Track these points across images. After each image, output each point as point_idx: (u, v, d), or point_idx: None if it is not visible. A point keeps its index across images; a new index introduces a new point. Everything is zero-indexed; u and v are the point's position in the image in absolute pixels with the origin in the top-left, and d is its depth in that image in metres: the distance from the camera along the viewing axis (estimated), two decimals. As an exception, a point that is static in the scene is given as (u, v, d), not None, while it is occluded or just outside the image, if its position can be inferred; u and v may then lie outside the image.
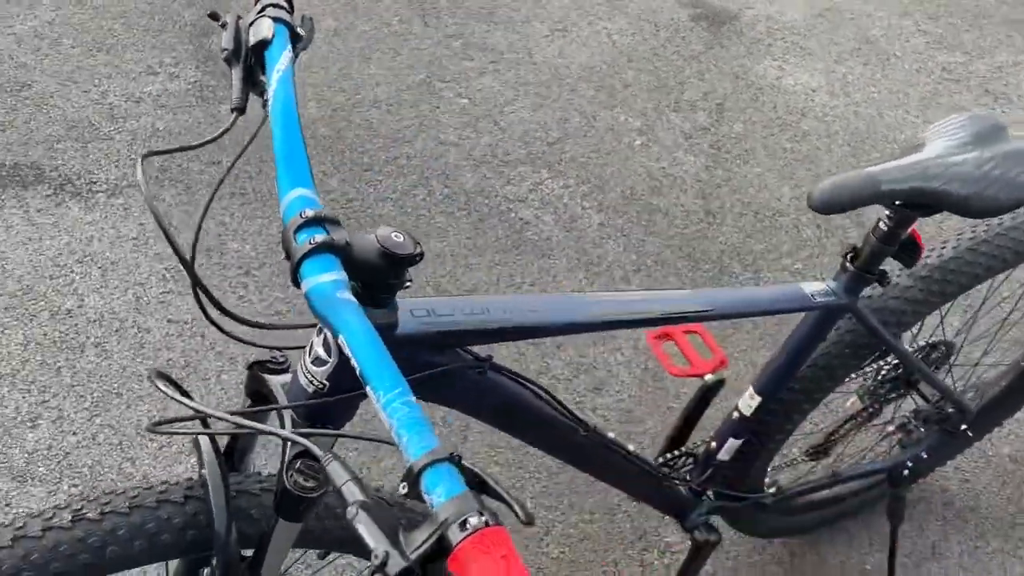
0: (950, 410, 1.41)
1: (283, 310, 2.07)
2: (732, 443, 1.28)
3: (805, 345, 1.16)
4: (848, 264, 1.09)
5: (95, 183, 2.34)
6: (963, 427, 1.45)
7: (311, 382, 0.78)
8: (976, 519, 1.76)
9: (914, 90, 2.90)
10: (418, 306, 0.82)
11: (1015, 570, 1.68)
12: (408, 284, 0.77)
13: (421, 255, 0.74)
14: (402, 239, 0.73)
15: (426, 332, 0.80)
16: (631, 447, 1.18)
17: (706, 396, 1.33)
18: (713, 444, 1.30)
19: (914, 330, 1.42)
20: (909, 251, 1.07)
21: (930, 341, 1.43)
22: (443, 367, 0.82)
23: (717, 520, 1.64)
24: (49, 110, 2.50)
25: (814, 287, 1.08)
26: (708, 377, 1.34)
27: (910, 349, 1.42)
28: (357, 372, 0.63)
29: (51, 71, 2.60)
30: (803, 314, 1.15)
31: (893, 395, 1.46)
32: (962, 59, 3.05)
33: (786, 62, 2.95)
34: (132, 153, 2.42)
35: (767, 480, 1.51)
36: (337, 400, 0.77)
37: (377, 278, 0.74)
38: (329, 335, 0.77)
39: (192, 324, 2.02)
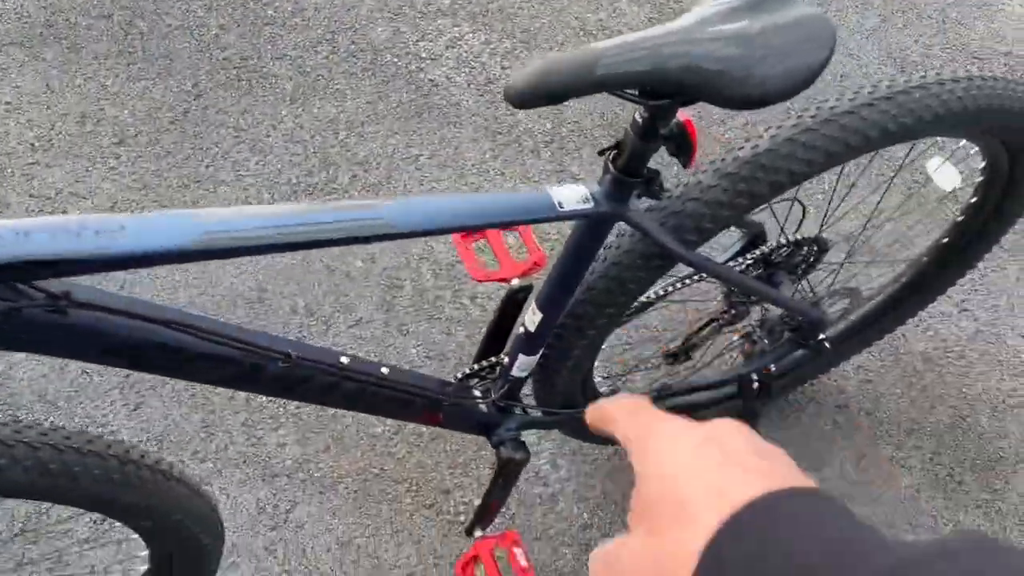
0: (801, 320, 1.23)
1: (153, 183, 1.92)
2: (525, 359, 1.13)
3: (576, 258, 0.98)
4: (610, 165, 0.89)
5: (-40, 44, 2.17)
6: (820, 337, 1.27)
7: None
8: (870, 424, 1.60)
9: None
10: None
11: (902, 481, 1.54)
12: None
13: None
14: None
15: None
16: (385, 369, 1.04)
17: (514, 303, 1.17)
18: (506, 360, 1.15)
19: (788, 225, 1.22)
20: (682, 147, 0.86)
21: (795, 238, 1.23)
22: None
23: (563, 440, 1.52)
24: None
25: (569, 193, 0.89)
26: (514, 282, 1.18)
27: (772, 246, 1.22)
28: None
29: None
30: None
31: (748, 298, 1.28)
32: None
33: None
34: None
35: (606, 389, 1.36)
36: None
37: None
38: None
39: (56, 199, 1.89)
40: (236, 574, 1.44)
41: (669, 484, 0.41)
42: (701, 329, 1.37)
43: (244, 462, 1.56)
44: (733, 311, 1.33)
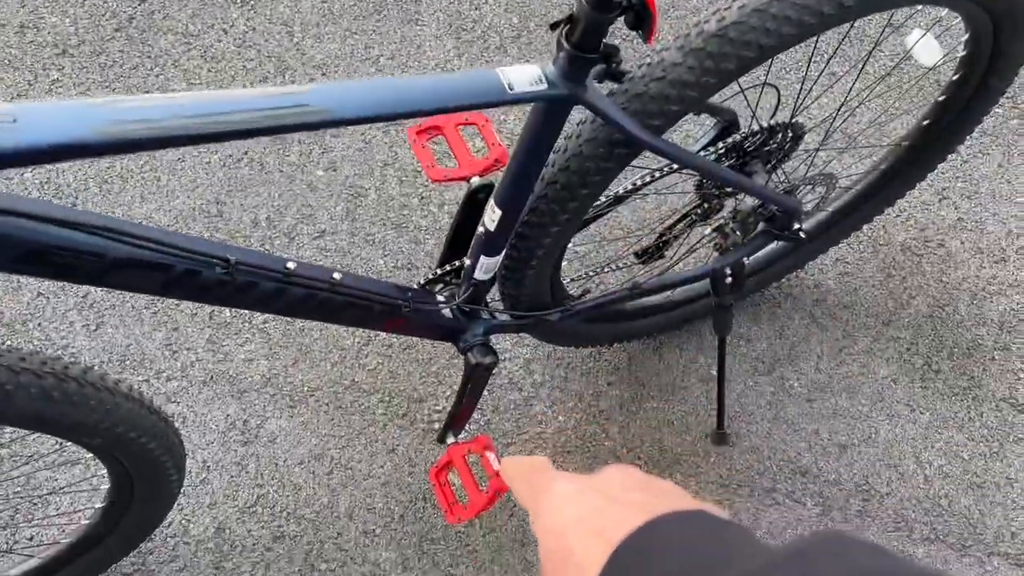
0: (774, 208, 1.18)
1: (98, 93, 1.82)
2: (487, 261, 1.08)
3: (533, 148, 0.92)
4: (563, 41, 0.82)
5: None
6: (796, 227, 1.22)
7: None
8: (848, 317, 1.58)
9: None
10: None
11: (879, 371, 1.52)
12: None
13: None
14: None
15: None
16: (337, 275, 0.99)
17: (474, 203, 1.12)
18: (468, 262, 1.10)
19: (761, 112, 1.16)
20: (641, 18, 0.79)
21: (769, 124, 1.17)
22: None
23: (530, 343, 1.49)
24: None
25: (520, 74, 0.82)
26: (474, 180, 1.12)
27: (745, 133, 1.16)
28: None
29: None
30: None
31: (721, 190, 1.23)
32: None
33: None
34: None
35: (576, 290, 1.32)
36: None
37: None
38: None
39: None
40: (208, 489, 1.42)
41: (557, 538, 0.43)
42: (673, 226, 1.33)
43: (211, 379, 1.53)
44: (705, 205, 1.28)
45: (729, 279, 1.25)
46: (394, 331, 1.13)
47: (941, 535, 1.37)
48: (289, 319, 1.59)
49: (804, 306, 1.59)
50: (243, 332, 1.58)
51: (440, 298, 1.16)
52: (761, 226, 1.23)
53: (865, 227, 1.55)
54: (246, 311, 1.59)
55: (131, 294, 1.61)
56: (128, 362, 1.54)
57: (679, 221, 1.32)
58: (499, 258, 1.09)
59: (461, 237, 1.15)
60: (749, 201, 1.21)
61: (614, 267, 1.37)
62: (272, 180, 1.74)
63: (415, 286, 1.16)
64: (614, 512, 0.42)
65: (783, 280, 1.61)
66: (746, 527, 0.40)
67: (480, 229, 1.06)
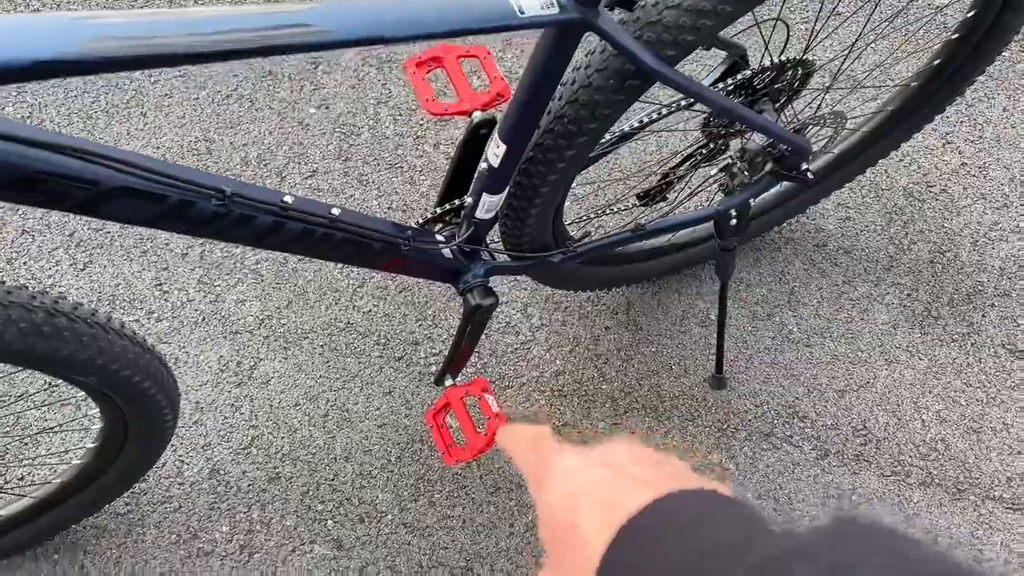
0: (783, 148, 1.15)
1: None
2: (489, 199, 1.05)
3: (542, 78, 0.88)
4: (576, -36, 0.78)
5: None
6: (804, 168, 1.19)
7: None
8: (848, 262, 1.56)
9: None
10: None
11: (878, 317, 1.51)
12: None
13: None
14: None
15: None
16: (336, 210, 0.95)
17: (476, 139, 1.08)
18: (469, 200, 1.07)
19: (774, 46, 1.12)
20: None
21: (780, 61, 1.13)
22: None
23: (528, 286, 1.47)
24: None
25: (531, -2, 0.78)
26: (476, 115, 1.08)
27: (755, 69, 1.13)
28: None
29: None
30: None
31: (729, 129, 1.20)
32: None
33: None
34: None
35: (576, 233, 1.29)
36: None
37: None
38: None
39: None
40: (201, 431, 1.41)
41: (561, 510, 0.42)
42: (676, 167, 1.30)
43: (203, 320, 1.50)
44: (711, 145, 1.25)
45: (733, 221, 1.23)
46: (393, 271, 1.11)
47: (937, 479, 1.38)
48: (282, 260, 1.56)
49: (805, 251, 1.58)
50: (235, 272, 1.55)
51: (440, 238, 1.13)
52: (768, 167, 1.21)
53: (868, 171, 1.52)
54: (238, 251, 1.56)
55: (119, 232, 1.57)
56: (117, 302, 1.51)
57: (683, 162, 1.29)
58: (502, 196, 1.06)
59: (461, 175, 1.12)
60: (758, 140, 1.18)
61: (615, 210, 1.34)
62: (262, 117, 1.69)
63: (414, 225, 1.13)
64: (620, 486, 0.41)
65: (784, 224, 1.59)
66: (754, 507, 0.39)
67: (483, 165, 1.02)
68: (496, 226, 1.19)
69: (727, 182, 1.21)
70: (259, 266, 1.55)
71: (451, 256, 1.15)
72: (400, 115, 1.72)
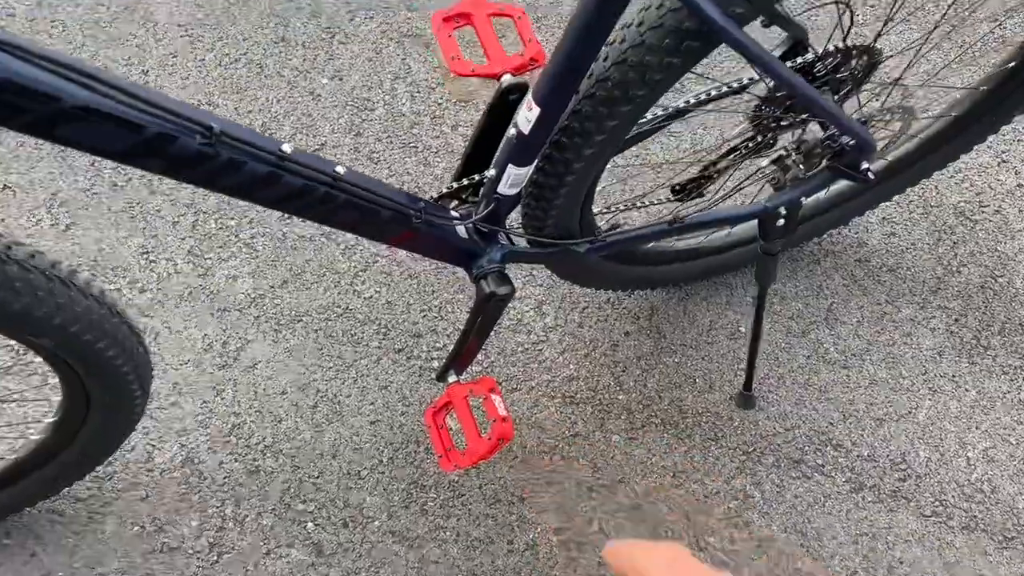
0: (845, 141, 1.03)
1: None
2: (515, 172, 0.93)
3: (586, 33, 0.77)
4: None
5: None
6: (863, 167, 1.07)
7: None
8: (892, 281, 1.44)
9: None
10: None
11: (923, 342, 1.39)
12: None
13: None
14: None
15: None
16: (340, 168, 0.84)
17: (504, 106, 0.96)
18: (492, 172, 0.96)
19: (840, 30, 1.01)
20: None
21: (845, 46, 1.01)
22: None
23: (544, 274, 1.35)
24: None
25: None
26: (505, 78, 0.97)
27: (818, 53, 1.01)
28: None
29: None
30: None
31: (781, 119, 1.08)
32: None
33: None
34: None
35: (603, 224, 1.17)
36: None
37: None
38: None
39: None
40: (178, 414, 1.29)
41: None
42: (717, 160, 1.18)
43: (190, 294, 1.38)
44: (759, 138, 1.13)
45: (781, 221, 1.11)
46: (400, 245, 0.99)
47: (982, 524, 1.25)
48: (280, 235, 1.44)
49: (845, 265, 1.46)
50: (229, 245, 1.43)
51: (455, 214, 1.01)
52: (825, 162, 1.09)
53: (917, 186, 1.41)
54: (233, 223, 1.44)
55: (108, 194, 1.45)
56: (99, 268, 1.39)
57: (726, 155, 1.17)
58: (529, 170, 0.94)
59: (484, 146, 1.00)
60: (817, 131, 1.06)
61: (647, 203, 1.23)
62: (271, 84, 1.58)
63: (428, 198, 1.02)
64: None
65: (824, 235, 1.47)
66: None
67: (511, 132, 0.90)
68: (517, 209, 1.07)
69: (779, 176, 1.09)
70: (255, 240, 1.44)
71: (466, 236, 1.03)
72: (418, 92, 1.60)
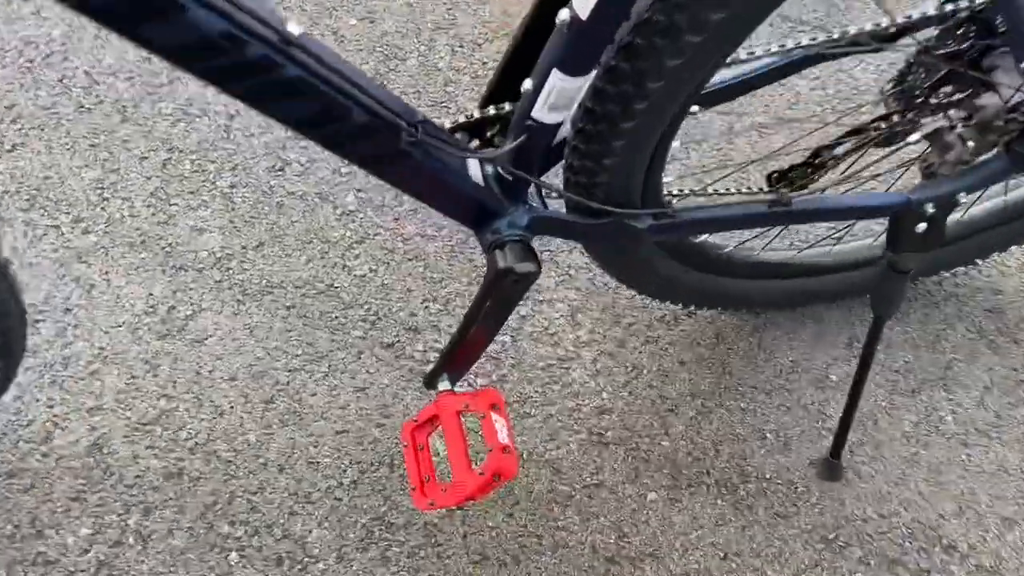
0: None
1: None
2: (561, 84, 0.64)
3: None
4: None
5: None
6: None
7: None
8: (1034, 342, 1.11)
9: None
10: None
11: (1070, 427, 1.05)
12: None
13: None
14: None
15: None
16: (295, 28, 0.56)
17: (553, 7, 0.67)
18: (528, 85, 0.66)
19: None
20: None
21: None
22: None
23: (570, 250, 1.04)
24: None
25: None
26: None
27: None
28: None
29: None
30: None
31: (947, 88, 0.78)
32: None
33: None
34: None
35: (676, 204, 0.87)
36: None
37: None
38: None
39: None
40: (95, 388, 1.00)
41: None
42: (836, 144, 0.87)
43: (142, 243, 1.11)
44: (894, 119, 0.83)
45: (923, 225, 0.80)
46: (382, 177, 0.70)
47: None
48: (266, 188, 1.17)
49: (972, 314, 1.13)
50: (201, 192, 1.16)
51: (469, 145, 0.72)
52: (1003, 144, 0.77)
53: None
54: (211, 166, 1.18)
55: (71, 116, 1.20)
56: (39, 199, 1.13)
57: (845, 136, 0.87)
58: (582, 83, 0.65)
59: (524, 59, 0.71)
60: (994, 101, 0.75)
61: (734, 189, 0.92)
62: (290, 17, 1.32)
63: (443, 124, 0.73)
64: None
65: (946, 274, 1.15)
66: None
67: (562, 16, 0.61)
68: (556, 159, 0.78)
69: (932, 159, 0.78)
70: (234, 191, 1.16)
71: (481, 182, 0.74)
72: (461, 47, 1.33)
